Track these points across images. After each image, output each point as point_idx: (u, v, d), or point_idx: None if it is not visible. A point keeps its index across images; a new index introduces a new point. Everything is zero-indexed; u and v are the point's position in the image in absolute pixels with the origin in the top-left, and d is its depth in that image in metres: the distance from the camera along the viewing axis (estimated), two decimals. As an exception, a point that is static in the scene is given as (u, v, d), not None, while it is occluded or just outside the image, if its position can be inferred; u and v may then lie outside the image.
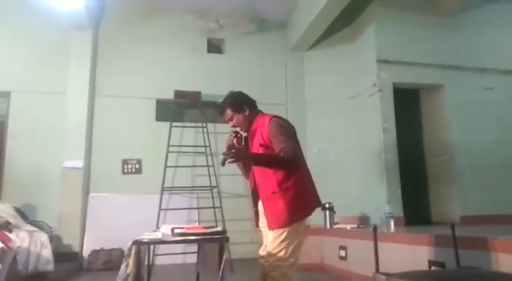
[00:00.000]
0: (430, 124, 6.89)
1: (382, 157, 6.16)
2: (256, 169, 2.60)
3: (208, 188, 6.49)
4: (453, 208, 6.33)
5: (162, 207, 6.23)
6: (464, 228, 4.93)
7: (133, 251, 1.92)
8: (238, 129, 2.69)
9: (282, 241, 2.38)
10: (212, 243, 2.77)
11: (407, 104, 6.81)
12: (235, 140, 2.66)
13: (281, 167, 2.43)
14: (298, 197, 2.46)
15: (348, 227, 5.54)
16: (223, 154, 2.47)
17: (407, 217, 5.95)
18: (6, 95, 6.40)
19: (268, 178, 2.50)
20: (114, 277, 5.27)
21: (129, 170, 6.70)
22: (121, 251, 6.14)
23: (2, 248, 3.54)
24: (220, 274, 2.10)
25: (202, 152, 6.64)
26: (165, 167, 6.34)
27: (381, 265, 4.31)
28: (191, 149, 6.74)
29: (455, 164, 6.43)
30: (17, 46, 6.50)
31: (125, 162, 6.69)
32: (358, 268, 4.81)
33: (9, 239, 3.80)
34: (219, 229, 2.21)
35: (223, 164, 2.47)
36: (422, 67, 6.52)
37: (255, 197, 2.69)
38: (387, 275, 2.15)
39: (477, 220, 5.77)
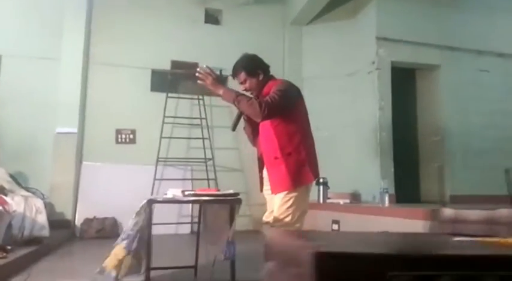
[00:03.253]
0: (424, 104, 6.95)
1: (377, 135, 6.22)
2: (261, 135, 2.61)
3: (203, 160, 6.49)
4: (443, 187, 6.47)
5: (156, 178, 6.21)
6: (453, 206, 5.07)
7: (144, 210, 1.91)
8: (249, 93, 2.66)
9: (288, 207, 2.41)
10: (216, 209, 2.81)
11: (403, 83, 6.84)
12: None
13: (246, 109, 2.41)
14: (300, 163, 2.48)
15: (341, 202, 5.63)
16: (235, 120, 2.49)
17: (398, 194, 6.06)
18: (-4, 59, 6.22)
19: (271, 143, 2.52)
20: (107, 244, 5.28)
21: (123, 140, 6.64)
22: (114, 220, 6.16)
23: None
24: (231, 235, 2.12)
25: (198, 125, 6.60)
26: (161, 137, 6.30)
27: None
28: (186, 121, 6.69)
29: (447, 145, 6.54)
30: (9, 9, 6.27)
31: (118, 132, 6.62)
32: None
33: (6, 202, 3.76)
34: (231, 191, 2.21)
35: (233, 128, 2.48)
36: (421, 46, 6.54)
37: (261, 163, 2.71)
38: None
39: (466, 199, 5.91)
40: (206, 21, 7.28)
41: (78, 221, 6.11)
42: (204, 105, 6.64)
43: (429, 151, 6.79)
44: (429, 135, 6.78)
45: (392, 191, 5.93)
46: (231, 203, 2.19)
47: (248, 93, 2.66)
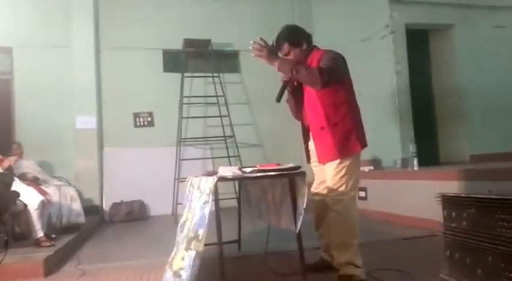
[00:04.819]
0: (439, 65, 6.89)
1: (396, 100, 6.20)
2: (307, 106, 2.61)
3: (223, 138, 6.51)
4: (462, 148, 6.49)
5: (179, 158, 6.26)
6: (475, 165, 5.11)
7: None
8: None
9: (342, 176, 2.44)
10: (262, 184, 2.85)
11: (417, 45, 6.75)
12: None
13: (305, 78, 2.41)
14: (346, 132, 2.49)
15: (366, 169, 5.67)
16: (280, 92, 2.50)
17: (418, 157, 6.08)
18: (8, 51, 6.17)
19: (317, 114, 2.52)
20: (136, 227, 5.44)
21: (141, 124, 6.65)
22: (141, 202, 6.25)
23: (42, 200, 3.57)
24: (298, 210, 2.16)
25: (214, 103, 6.59)
26: (180, 118, 6.31)
27: (407, 202, 4.50)
28: (202, 100, 6.67)
29: (465, 105, 6.52)
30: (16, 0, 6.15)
31: (136, 115, 6.63)
32: (379, 206, 4.99)
33: (46, 192, 3.82)
34: (291, 165, 2.24)
35: (278, 100, 2.50)
36: (434, 6, 6.41)
37: (306, 135, 2.72)
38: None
39: (486, 157, 5.93)
40: (214, -3, 7.14)
41: (106, 206, 6.20)
42: (220, 82, 6.59)
43: (447, 111, 6.76)
44: (446, 96, 6.75)
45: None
46: (295, 176, 2.22)
47: None
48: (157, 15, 6.73)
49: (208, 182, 2.06)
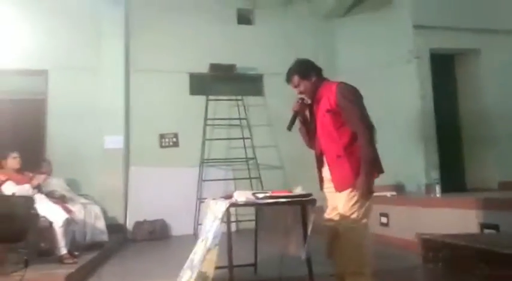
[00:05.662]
0: (465, 89, 6.80)
1: (420, 125, 6.14)
2: (321, 135, 2.65)
3: (245, 159, 6.59)
4: (491, 174, 6.32)
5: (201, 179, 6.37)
6: (507, 193, 4.95)
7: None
8: (303, 96, 2.72)
9: (354, 204, 2.45)
10: (275, 209, 2.88)
11: (442, 69, 6.71)
12: (299, 105, 2.72)
13: (371, 144, 2.51)
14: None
15: (388, 194, 5.59)
16: (291, 121, 2.56)
17: (443, 183, 5.96)
18: (44, 73, 6.51)
19: (334, 142, 2.56)
20: (158, 246, 5.51)
21: (167, 144, 6.82)
22: (163, 222, 6.35)
23: (67, 218, 3.71)
24: (307, 236, 2.18)
25: (237, 125, 6.70)
26: (204, 140, 6.45)
27: (429, 229, 4.40)
28: (225, 122, 6.80)
29: (493, 129, 6.38)
30: (50, 24, 6.51)
31: (162, 136, 6.81)
32: (401, 233, 4.89)
33: (71, 211, 3.97)
34: (301, 191, 2.27)
35: (290, 128, 2.57)
36: (459, 31, 6.39)
37: (320, 163, 2.75)
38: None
39: (515, 185, 5.75)
40: (239, 23, 7.36)
41: (129, 225, 6.33)
42: (243, 105, 6.73)
43: (474, 136, 6.63)
44: (473, 121, 6.63)
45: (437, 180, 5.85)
46: (305, 203, 2.25)
47: (303, 96, 2.71)
48: (185, 40, 6.97)
49: (221, 207, 2.12)
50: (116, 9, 6.65)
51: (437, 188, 4.74)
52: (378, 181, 6.16)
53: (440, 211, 4.24)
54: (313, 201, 2.29)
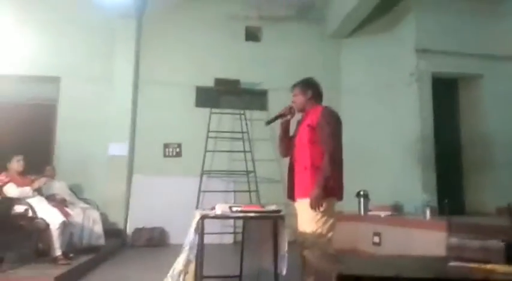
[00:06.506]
0: (467, 114, 6.85)
1: (419, 147, 6.20)
2: (297, 146, 2.85)
3: (245, 172, 6.72)
4: (489, 198, 6.32)
5: (201, 189, 6.50)
6: (500, 218, 4.96)
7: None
8: (294, 105, 2.95)
9: (318, 220, 2.58)
10: (258, 222, 2.99)
11: (445, 92, 6.78)
12: (285, 110, 2.95)
13: (332, 163, 2.64)
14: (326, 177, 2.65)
15: (382, 214, 5.65)
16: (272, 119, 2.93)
17: (441, 206, 5.98)
18: (56, 80, 6.78)
19: (305, 155, 2.76)
20: (154, 253, 5.64)
21: (170, 154, 7.00)
22: (162, 229, 6.49)
23: (64, 221, 3.88)
24: (279, 250, 2.29)
25: (239, 138, 6.86)
26: (205, 151, 6.60)
27: (419, 251, 4.45)
28: (228, 135, 6.96)
29: (493, 154, 6.40)
30: (65, 34, 6.83)
31: (166, 146, 7.00)
32: (393, 253, 4.94)
33: (69, 214, 4.14)
34: (274, 207, 2.40)
35: (268, 124, 2.97)
36: (462, 57, 6.47)
37: (291, 171, 2.91)
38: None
39: (513, 211, 5.74)
40: (247, 39, 7.56)
41: (129, 230, 6.49)
42: (245, 119, 6.89)
43: (474, 161, 6.65)
44: (473, 146, 6.66)
45: (434, 203, 5.87)
46: (274, 219, 2.37)
47: (294, 105, 2.95)
48: (193, 54, 7.20)
49: (196, 219, 2.25)
50: (129, 23, 6.94)
51: (428, 211, 4.78)
52: (375, 200, 6.26)
53: (429, 232, 4.30)
54: (281, 217, 2.41)
